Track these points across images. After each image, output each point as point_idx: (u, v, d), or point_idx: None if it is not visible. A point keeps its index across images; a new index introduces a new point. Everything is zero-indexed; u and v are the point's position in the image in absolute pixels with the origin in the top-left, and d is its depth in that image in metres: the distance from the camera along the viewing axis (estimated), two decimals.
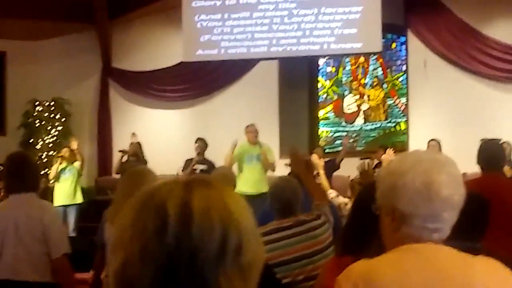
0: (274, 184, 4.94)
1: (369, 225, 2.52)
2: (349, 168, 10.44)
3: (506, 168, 9.30)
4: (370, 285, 2.07)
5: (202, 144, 11.84)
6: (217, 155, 11.32)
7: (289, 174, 6.12)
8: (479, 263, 2.11)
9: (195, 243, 1.23)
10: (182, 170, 11.45)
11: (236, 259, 1.26)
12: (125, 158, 12.80)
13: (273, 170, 10.69)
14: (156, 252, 1.23)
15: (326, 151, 13.49)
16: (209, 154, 11.76)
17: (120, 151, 13.08)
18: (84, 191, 12.92)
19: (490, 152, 5.49)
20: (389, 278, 2.07)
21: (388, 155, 10.22)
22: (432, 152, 2.24)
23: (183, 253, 1.23)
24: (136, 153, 12.88)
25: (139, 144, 13.16)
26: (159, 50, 14.99)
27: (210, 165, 11.14)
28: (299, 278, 4.60)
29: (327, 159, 11.66)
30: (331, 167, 11.31)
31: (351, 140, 14.45)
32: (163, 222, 1.24)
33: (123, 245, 1.26)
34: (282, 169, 8.46)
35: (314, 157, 10.10)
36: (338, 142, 14.77)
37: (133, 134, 13.30)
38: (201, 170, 11.18)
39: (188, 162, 11.71)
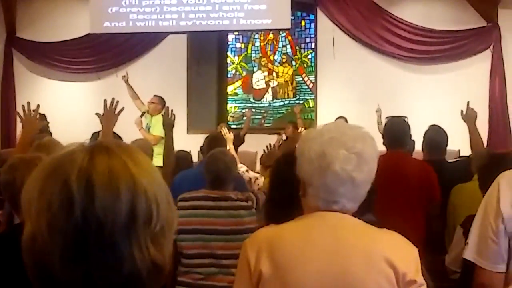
0: (209, 154, 4.92)
1: (289, 194, 2.50)
2: (257, 144, 10.41)
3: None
4: (274, 250, 2.09)
5: None
6: (122, 129, 10.98)
7: None
8: (381, 235, 2.13)
9: (100, 214, 1.21)
10: None
11: (147, 227, 1.25)
12: None
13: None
14: (63, 227, 1.21)
15: (235, 127, 13.40)
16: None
17: None
18: None
19: (394, 130, 5.59)
20: (292, 243, 2.10)
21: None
22: (349, 126, 2.23)
23: (90, 226, 1.21)
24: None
25: (44, 116, 12.84)
26: (65, 21, 14.62)
27: (117, 139, 10.69)
28: (217, 252, 4.62)
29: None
30: (236, 141, 11.33)
31: (258, 116, 14.51)
32: (68, 197, 1.21)
33: (30, 218, 1.24)
34: (189, 143, 8.36)
35: (225, 131, 10.10)
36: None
37: (38, 106, 12.93)
38: None
39: (96, 134, 11.39)
